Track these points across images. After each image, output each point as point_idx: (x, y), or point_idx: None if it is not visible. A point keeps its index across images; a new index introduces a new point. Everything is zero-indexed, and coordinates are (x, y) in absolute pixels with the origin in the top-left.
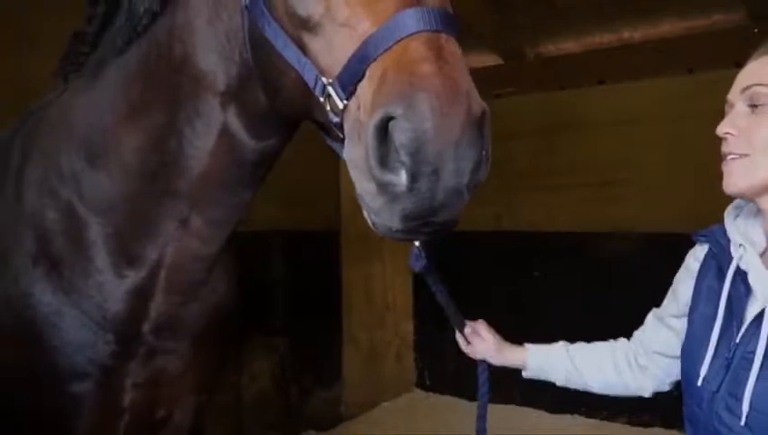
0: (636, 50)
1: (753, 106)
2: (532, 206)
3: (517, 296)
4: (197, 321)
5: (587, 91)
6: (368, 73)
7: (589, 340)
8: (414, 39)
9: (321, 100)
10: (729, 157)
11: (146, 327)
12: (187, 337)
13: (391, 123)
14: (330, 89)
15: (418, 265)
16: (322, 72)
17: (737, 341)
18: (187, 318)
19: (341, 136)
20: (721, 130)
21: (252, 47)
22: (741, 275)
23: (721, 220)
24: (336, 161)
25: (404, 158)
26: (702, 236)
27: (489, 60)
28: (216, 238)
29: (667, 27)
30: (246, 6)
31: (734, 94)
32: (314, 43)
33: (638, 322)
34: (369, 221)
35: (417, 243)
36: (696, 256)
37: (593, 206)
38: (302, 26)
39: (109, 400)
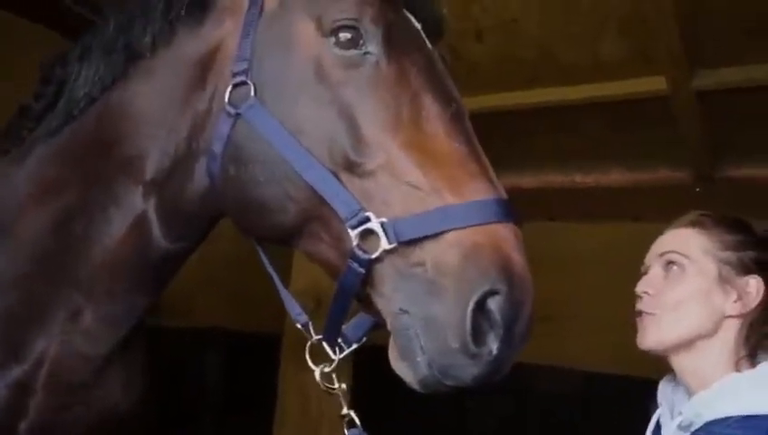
0: (587, 193)
1: (667, 271)
2: None
3: (448, 425)
4: (83, 428)
5: (538, 226)
6: (447, 238)
7: None
8: (504, 226)
9: (351, 232)
10: (642, 314)
11: (23, 426)
12: None
13: (491, 299)
14: (376, 226)
15: None
16: (370, 209)
17: None
18: (70, 423)
19: (346, 268)
20: (639, 288)
21: (235, 157)
22: (659, 432)
23: (656, 367)
24: (287, 263)
25: (499, 330)
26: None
27: None
28: (105, 338)
29: (617, 176)
30: (238, 114)
31: (651, 257)
32: (360, 183)
33: None
34: (409, 373)
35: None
36: (656, 415)
37: (536, 339)
38: (345, 165)
39: None
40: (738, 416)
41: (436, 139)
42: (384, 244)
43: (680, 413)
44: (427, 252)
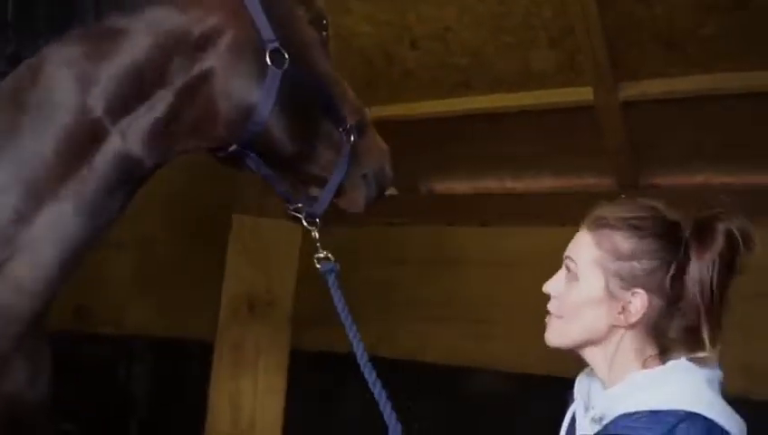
0: (518, 199)
1: (568, 273)
2: (409, 334)
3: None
4: None
5: (470, 231)
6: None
7: None
8: None
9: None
10: (551, 314)
11: None
12: None
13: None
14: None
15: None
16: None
17: None
18: None
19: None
20: (544, 288)
21: (285, 104)
22: (575, 424)
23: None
24: (220, 267)
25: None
26: (569, 393)
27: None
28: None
29: (547, 183)
30: (285, 71)
31: (563, 259)
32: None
33: None
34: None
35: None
36: (570, 410)
37: (467, 341)
38: (343, 97)
39: None
40: (645, 410)
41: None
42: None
43: (593, 407)
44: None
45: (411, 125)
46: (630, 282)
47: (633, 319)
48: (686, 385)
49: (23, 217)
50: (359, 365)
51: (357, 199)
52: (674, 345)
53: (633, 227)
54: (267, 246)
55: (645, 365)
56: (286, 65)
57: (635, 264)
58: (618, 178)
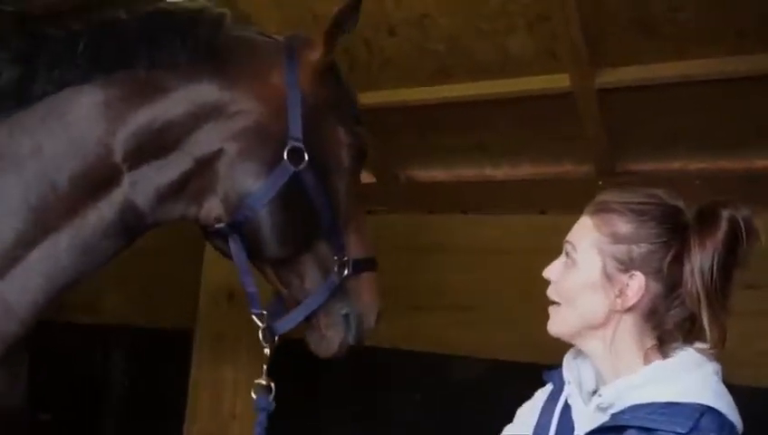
0: (497, 187)
1: (566, 258)
2: (391, 323)
3: (372, 410)
4: None
5: (450, 219)
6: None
7: None
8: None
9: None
10: (550, 301)
11: None
12: None
13: None
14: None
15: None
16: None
17: None
18: None
19: (327, 283)
20: (544, 273)
21: (282, 202)
22: (569, 410)
23: (562, 354)
24: (199, 255)
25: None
26: (548, 375)
27: (364, 178)
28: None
29: (525, 170)
30: (296, 172)
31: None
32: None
33: None
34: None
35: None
36: (544, 393)
37: (450, 329)
38: (346, 224)
39: None
40: (661, 402)
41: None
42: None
43: (599, 395)
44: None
45: (390, 112)
46: (628, 265)
47: (630, 302)
48: (701, 378)
49: (23, 243)
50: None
51: (331, 340)
52: (672, 337)
53: (634, 211)
54: None
55: (647, 356)
56: (302, 166)
57: (633, 247)
58: (595, 164)
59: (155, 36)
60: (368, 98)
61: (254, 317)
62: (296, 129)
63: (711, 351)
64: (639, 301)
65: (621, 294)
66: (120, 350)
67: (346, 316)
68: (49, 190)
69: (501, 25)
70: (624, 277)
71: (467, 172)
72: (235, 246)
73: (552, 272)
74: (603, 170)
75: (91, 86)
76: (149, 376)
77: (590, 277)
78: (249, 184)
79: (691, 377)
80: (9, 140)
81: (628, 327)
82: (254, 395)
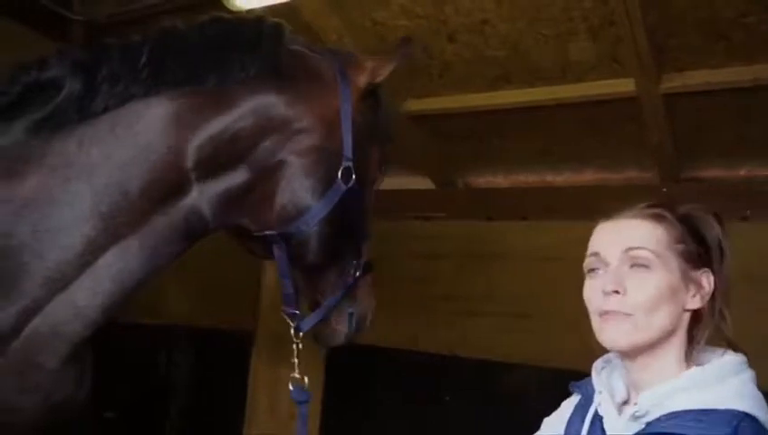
0: (558, 193)
1: (634, 267)
2: (447, 329)
3: (423, 416)
4: (34, 415)
5: (508, 225)
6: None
7: None
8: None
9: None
10: (610, 313)
11: None
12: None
13: None
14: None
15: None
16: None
17: None
18: (24, 408)
19: (343, 284)
20: (608, 287)
21: (332, 217)
22: (599, 421)
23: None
24: (259, 260)
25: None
26: (576, 386)
27: (421, 183)
28: None
29: (587, 176)
30: (348, 189)
31: (611, 254)
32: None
33: None
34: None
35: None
36: (570, 404)
37: (507, 335)
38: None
39: None
40: (699, 409)
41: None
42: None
43: (634, 403)
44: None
45: (449, 119)
46: (699, 262)
47: (708, 296)
48: (739, 385)
49: (93, 248)
50: (392, 355)
51: (340, 332)
52: (697, 342)
53: (686, 213)
54: None
55: (680, 362)
56: (351, 184)
57: (693, 245)
58: (659, 171)
59: (223, 52)
60: (427, 104)
61: (285, 316)
62: (348, 148)
63: (745, 357)
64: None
65: (698, 292)
66: (182, 350)
67: (351, 314)
68: (120, 198)
69: (562, 30)
70: (697, 274)
71: (528, 178)
72: (279, 253)
73: (617, 283)
74: (667, 177)
75: (158, 98)
76: (210, 375)
77: (670, 282)
78: (308, 200)
79: (729, 384)
80: (78, 150)
81: (685, 330)
82: (290, 387)
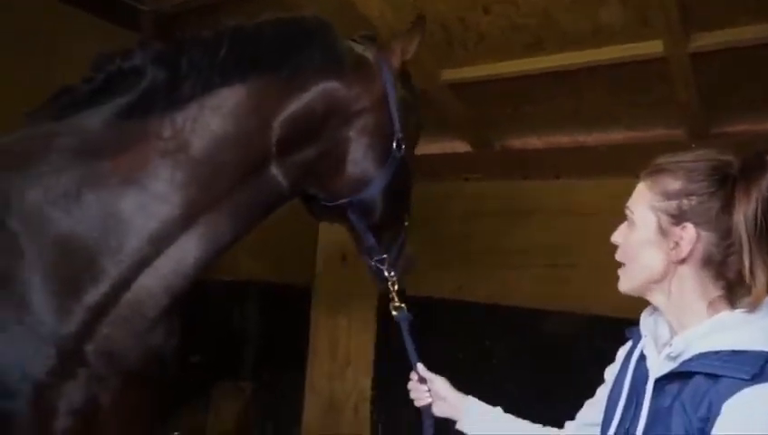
0: (588, 152)
1: (627, 223)
2: (488, 280)
3: (467, 362)
4: (134, 363)
5: (544, 184)
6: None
7: (530, 410)
8: None
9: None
10: (620, 263)
11: (89, 348)
12: (121, 373)
13: None
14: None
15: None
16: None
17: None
18: (129, 351)
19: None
20: (612, 239)
21: (392, 182)
22: (644, 361)
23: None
24: (316, 223)
25: None
26: (629, 331)
27: (461, 147)
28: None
29: (617, 135)
30: (401, 158)
31: (628, 211)
32: None
33: (578, 395)
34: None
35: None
36: (624, 350)
37: (544, 286)
38: None
39: (39, 424)
40: (728, 350)
41: None
42: None
43: (670, 345)
44: None
45: (486, 85)
46: (679, 217)
47: (684, 253)
48: (766, 327)
49: (191, 215)
50: (439, 305)
51: (410, 261)
52: (738, 286)
53: (684, 168)
54: None
55: (712, 306)
56: (402, 153)
57: (683, 201)
58: (688, 128)
59: (291, 46)
60: (465, 72)
61: (373, 264)
62: (397, 123)
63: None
64: (693, 251)
65: (676, 245)
66: (254, 302)
67: (395, 261)
68: (214, 170)
69: None
70: (677, 230)
71: (561, 139)
72: (354, 217)
73: (617, 236)
74: (696, 133)
75: (242, 86)
76: (278, 324)
77: (646, 235)
78: (372, 171)
79: (757, 326)
80: (172, 130)
81: (687, 277)
82: (393, 312)
